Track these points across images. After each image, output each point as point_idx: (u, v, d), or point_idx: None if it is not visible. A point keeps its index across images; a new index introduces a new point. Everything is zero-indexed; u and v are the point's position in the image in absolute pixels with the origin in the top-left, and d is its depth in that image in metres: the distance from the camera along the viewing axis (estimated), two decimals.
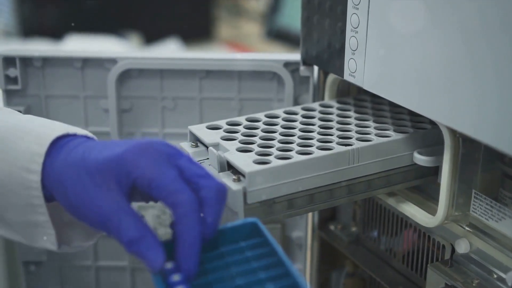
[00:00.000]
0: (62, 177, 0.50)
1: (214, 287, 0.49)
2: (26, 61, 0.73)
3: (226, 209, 0.53)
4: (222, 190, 0.50)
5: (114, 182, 0.49)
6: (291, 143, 0.60)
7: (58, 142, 0.52)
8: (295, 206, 0.59)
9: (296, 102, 0.74)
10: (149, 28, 1.85)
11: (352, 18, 0.61)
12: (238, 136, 0.61)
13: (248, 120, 0.64)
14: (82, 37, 1.67)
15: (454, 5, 0.50)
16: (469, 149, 0.57)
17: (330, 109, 0.67)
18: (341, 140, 0.60)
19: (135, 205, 0.75)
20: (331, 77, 0.70)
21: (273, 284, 0.48)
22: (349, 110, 0.67)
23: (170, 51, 1.73)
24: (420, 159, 0.60)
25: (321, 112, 0.66)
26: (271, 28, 1.95)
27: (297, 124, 0.64)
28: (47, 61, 0.73)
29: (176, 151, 0.51)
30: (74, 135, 0.54)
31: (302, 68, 0.71)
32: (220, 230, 0.50)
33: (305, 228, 0.78)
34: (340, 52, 0.64)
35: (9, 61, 0.72)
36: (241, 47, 1.94)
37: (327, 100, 0.70)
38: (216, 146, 0.59)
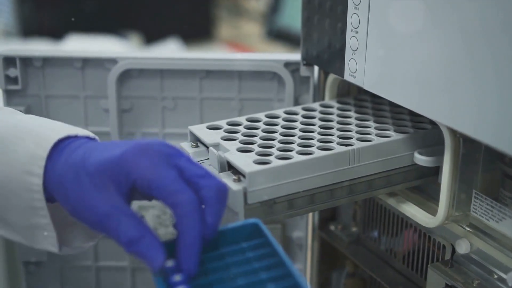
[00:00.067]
0: (63, 179, 0.50)
1: (215, 287, 0.49)
2: (26, 61, 0.73)
3: (227, 210, 0.53)
4: (222, 190, 0.50)
5: (114, 183, 0.49)
6: (292, 143, 0.60)
7: (60, 144, 0.52)
8: (295, 206, 0.59)
9: (296, 102, 0.73)
10: (149, 28, 1.85)
11: (352, 18, 0.61)
12: (239, 136, 0.61)
13: (249, 120, 0.64)
14: (82, 37, 1.67)
15: (454, 6, 0.50)
16: (470, 149, 0.57)
17: (330, 109, 0.67)
18: (341, 140, 0.60)
19: (135, 205, 0.75)
20: (331, 77, 0.70)
21: (274, 285, 0.48)
22: (349, 110, 0.67)
23: (170, 51, 1.72)
24: (421, 159, 0.60)
25: (321, 112, 0.66)
26: (272, 28, 1.95)
27: (297, 124, 0.64)
28: (47, 61, 0.73)
29: (176, 151, 0.51)
30: (75, 137, 0.53)
31: (302, 68, 0.71)
32: (221, 231, 0.50)
33: (305, 228, 0.78)
34: (340, 52, 0.64)
35: (9, 61, 0.72)
36: (241, 47, 1.94)
37: (327, 100, 0.70)
38: (217, 146, 0.59)
